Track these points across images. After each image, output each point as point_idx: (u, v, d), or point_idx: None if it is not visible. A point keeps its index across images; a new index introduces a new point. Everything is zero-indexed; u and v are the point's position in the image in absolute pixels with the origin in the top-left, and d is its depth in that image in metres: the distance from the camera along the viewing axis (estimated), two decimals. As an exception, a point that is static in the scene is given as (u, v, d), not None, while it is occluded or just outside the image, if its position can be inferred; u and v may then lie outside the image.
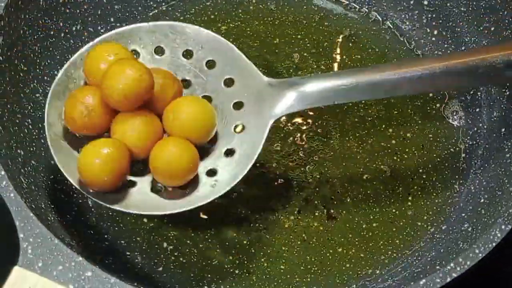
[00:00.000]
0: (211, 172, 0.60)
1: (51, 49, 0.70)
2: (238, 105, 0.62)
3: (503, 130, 0.67)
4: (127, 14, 0.76)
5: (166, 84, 0.60)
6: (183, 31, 0.63)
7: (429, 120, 0.71)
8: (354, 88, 0.60)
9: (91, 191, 0.58)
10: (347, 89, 0.60)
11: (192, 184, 0.60)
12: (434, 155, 0.70)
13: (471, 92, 0.71)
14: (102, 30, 0.74)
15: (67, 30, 0.72)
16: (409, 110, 0.72)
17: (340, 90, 0.60)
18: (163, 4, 0.77)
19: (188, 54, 0.64)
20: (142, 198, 0.59)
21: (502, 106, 0.68)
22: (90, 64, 0.60)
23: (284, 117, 0.70)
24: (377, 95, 0.63)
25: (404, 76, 0.59)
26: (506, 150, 0.65)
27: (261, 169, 0.68)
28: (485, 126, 0.69)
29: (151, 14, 0.77)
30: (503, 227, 0.55)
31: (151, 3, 0.77)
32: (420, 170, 0.69)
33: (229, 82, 0.63)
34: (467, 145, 0.70)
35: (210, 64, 0.63)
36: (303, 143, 0.70)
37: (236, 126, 0.62)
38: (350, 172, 0.69)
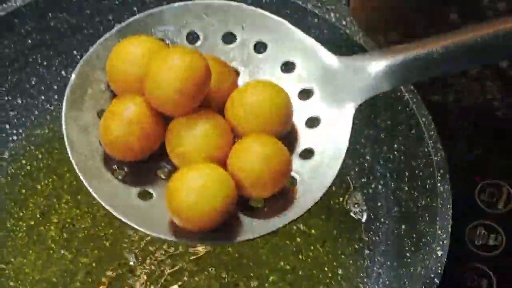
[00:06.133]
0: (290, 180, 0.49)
1: None
2: (305, 94, 0.51)
3: (403, 227, 0.67)
4: (24, 119, 0.74)
5: (221, 72, 0.49)
6: (221, 10, 0.52)
7: (333, 214, 0.71)
8: (452, 53, 0.48)
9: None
10: (443, 57, 0.48)
11: (281, 195, 0.48)
12: (339, 251, 0.69)
13: (372, 186, 0.71)
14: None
15: None
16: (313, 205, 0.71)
17: (435, 59, 0.48)
18: (61, 105, 0.75)
19: (229, 38, 0.52)
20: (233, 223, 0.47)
21: (401, 201, 0.68)
22: (116, 67, 0.48)
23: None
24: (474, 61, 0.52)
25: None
26: (406, 249, 0.65)
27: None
28: (386, 222, 0.69)
29: (49, 117, 0.75)
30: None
31: (48, 105, 0.75)
32: (325, 269, 0.69)
33: (288, 67, 0.52)
34: (370, 240, 0.70)
35: (259, 48, 0.52)
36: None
37: (307, 121, 0.50)
38: (255, 273, 0.68)
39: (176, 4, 0.52)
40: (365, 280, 0.68)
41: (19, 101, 0.73)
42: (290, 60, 0.52)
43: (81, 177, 0.48)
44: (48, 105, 0.75)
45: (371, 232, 0.70)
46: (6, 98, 0.73)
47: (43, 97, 0.75)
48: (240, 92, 0.49)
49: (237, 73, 0.52)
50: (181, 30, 0.52)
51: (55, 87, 0.75)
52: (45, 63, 0.74)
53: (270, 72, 0.52)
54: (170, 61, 0.45)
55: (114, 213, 0.47)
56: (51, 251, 0.69)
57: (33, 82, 0.74)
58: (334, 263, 0.69)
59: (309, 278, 0.68)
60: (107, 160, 0.49)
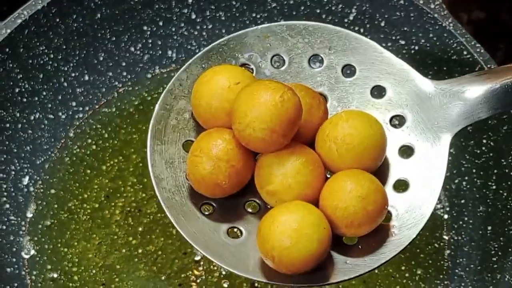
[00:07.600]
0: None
1: (7, 142, 0.65)
2: (397, 121, 0.49)
3: (489, 228, 0.62)
4: (91, 96, 0.71)
5: (311, 104, 0.46)
6: (307, 31, 0.50)
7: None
8: None
9: None
10: None
11: (376, 232, 0.45)
12: (418, 250, 0.65)
13: (456, 181, 0.66)
14: (63, 117, 0.69)
15: (24, 121, 0.67)
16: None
17: None
18: (129, 82, 0.72)
19: (315, 60, 0.50)
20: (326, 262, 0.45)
21: (488, 200, 0.63)
22: (201, 102, 0.46)
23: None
24: None
25: None
26: (493, 252, 0.61)
27: None
28: (471, 221, 0.64)
29: (116, 94, 0.72)
30: None
31: (116, 83, 0.72)
32: (403, 268, 0.65)
33: (378, 92, 0.49)
34: (452, 240, 0.65)
35: (348, 71, 0.50)
36: None
37: (400, 149, 0.48)
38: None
39: (259, 26, 0.50)
40: (446, 282, 0.64)
41: (86, 77, 0.70)
42: (381, 84, 0.49)
43: (167, 213, 0.46)
44: (116, 82, 0.72)
45: (453, 231, 0.66)
46: (73, 74, 0.70)
47: (110, 73, 0.71)
48: (331, 125, 0.46)
49: (325, 98, 0.50)
50: (266, 53, 0.50)
51: (123, 63, 0.72)
52: (113, 39, 0.71)
53: (359, 97, 0.49)
54: (260, 98, 0.43)
55: (202, 252, 0.45)
56: (115, 236, 0.66)
57: (101, 58, 0.71)
58: (412, 262, 0.65)
59: (385, 277, 0.64)
60: (194, 195, 0.47)
